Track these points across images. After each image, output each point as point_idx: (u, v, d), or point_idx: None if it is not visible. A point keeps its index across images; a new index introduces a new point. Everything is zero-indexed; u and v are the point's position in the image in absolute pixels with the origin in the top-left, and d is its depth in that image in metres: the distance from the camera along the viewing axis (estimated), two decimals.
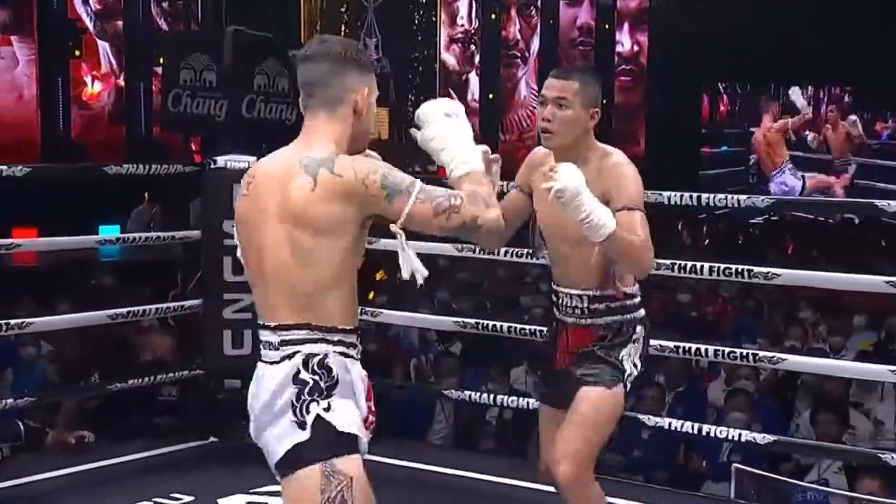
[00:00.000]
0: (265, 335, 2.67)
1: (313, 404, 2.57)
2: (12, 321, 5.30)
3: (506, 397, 5.67)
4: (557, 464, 3.32)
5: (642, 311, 3.54)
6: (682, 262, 5.13)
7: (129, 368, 6.32)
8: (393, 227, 2.60)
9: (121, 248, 10.09)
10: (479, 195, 2.61)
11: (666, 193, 5.02)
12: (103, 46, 14.49)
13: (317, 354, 2.60)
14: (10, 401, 5.34)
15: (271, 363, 2.64)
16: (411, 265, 2.64)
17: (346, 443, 2.59)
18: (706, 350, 5.21)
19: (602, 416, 3.38)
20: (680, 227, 16.87)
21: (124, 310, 5.59)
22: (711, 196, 5.00)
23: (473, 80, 18.97)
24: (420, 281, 2.66)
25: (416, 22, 17.71)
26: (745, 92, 23.90)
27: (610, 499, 4.96)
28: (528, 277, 10.13)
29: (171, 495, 4.78)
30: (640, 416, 5.54)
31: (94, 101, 14.34)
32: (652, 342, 5.28)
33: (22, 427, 5.64)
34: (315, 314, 2.62)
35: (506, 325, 5.34)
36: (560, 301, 3.53)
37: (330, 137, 2.66)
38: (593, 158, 3.42)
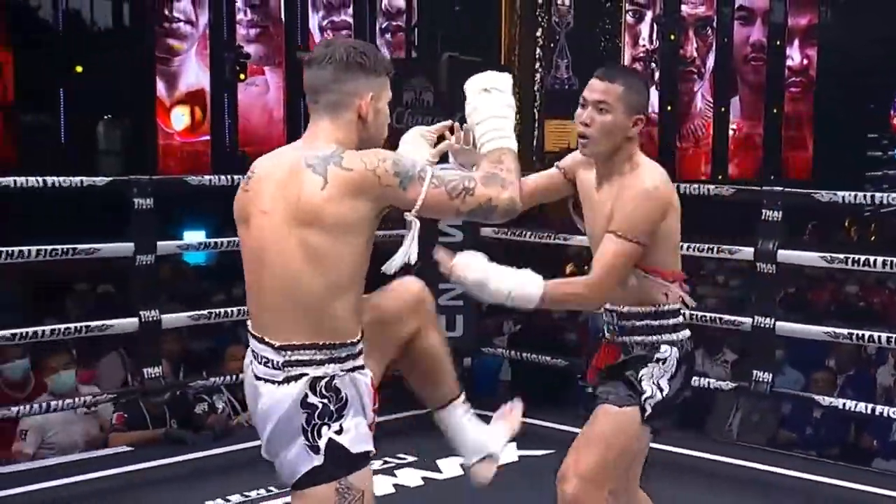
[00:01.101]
0: (264, 350, 2.27)
1: (324, 428, 2.24)
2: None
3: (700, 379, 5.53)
4: (563, 481, 2.76)
5: (681, 334, 2.85)
6: (855, 256, 4.88)
7: None
8: (408, 216, 2.25)
9: None
10: (495, 176, 2.27)
11: (840, 193, 4.80)
12: None
13: (323, 378, 2.24)
14: None
15: (273, 382, 2.26)
16: (409, 255, 2.28)
17: (356, 461, 2.29)
18: (876, 337, 4.91)
19: (611, 436, 2.76)
20: (847, 223, 16.34)
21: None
22: (886, 195, 4.78)
23: (654, 93, 18.62)
24: (414, 260, 2.28)
25: (603, 44, 17.49)
26: None
27: (781, 470, 4.85)
28: (702, 270, 9.85)
29: (397, 455, 4.83)
30: (815, 397, 5.35)
31: None
32: (824, 329, 5.13)
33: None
34: (323, 330, 2.24)
35: (688, 311, 5.19)
36: (603, 316, 2.96)
37: (331, 140, 2.27)
38: (632, 174, 2.77)
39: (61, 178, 4.74)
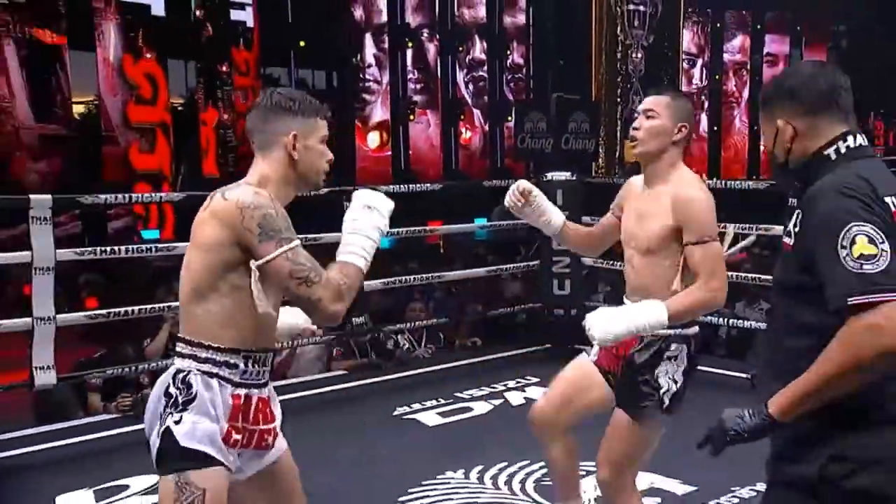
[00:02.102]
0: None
1: (168, 417, 1.77)
2: (433, 274, 5.51)
3: (733, 320, 5.36)
4: (598, 468, 2.42)
5: (691, 330, 2.37)
6: None
7: (499, 302, 6.42)
8: (252, 263, 1.76)
9: (487, 232, 10.21)
10: (338, 285, 1.78)
11: None
12: (476, 112, 14.80)
13: (182, 371, 1.80)
14: (433, 321, 5.58)
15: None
16: (257, 298, 1.77)
17: (194, 457, 1.76)
18: None
19: (634, 438, 2.35)
20: None
21: (494, 267, 5.68)
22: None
23: (703, 119, 18.09)
24: (260, 310, 1.78)
25: (665, 84, 16.92)
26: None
27: None
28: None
29: (526, 377, 4.81)
30: None
31: (468, 143, 14.67)
32: None
33: (441, 336, 5.81)
34: (189, 327, 1.82)
35: (742, 274, 5.00)
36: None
37: (256, 175, 1.85)
38: (672, 178, 2.34)
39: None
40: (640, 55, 15.98)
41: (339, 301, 1.78)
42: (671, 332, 2.32)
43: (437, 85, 14.13)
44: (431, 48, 14.08)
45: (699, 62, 17.85)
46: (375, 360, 5.18)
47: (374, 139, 13.33)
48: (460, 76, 14.52)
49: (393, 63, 13.24)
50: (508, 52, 14.96)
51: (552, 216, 2.62)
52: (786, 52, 19.58)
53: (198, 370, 1.80)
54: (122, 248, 4.31)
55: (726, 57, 18.46)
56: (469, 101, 14.67)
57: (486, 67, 14.72)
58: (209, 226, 1.78)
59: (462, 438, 3.87)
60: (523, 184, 2.56)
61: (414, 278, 5.48)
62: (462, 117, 14.43)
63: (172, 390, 1.80)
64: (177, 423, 1.77)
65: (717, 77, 18.16)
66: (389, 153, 13.51)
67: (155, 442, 1.80)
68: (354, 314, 5.00)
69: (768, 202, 4.84)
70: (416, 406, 4.37)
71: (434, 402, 4.40)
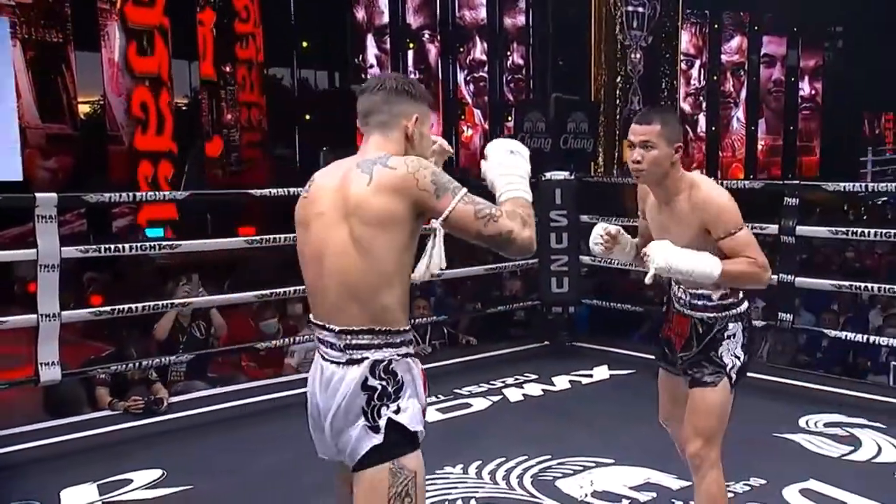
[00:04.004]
0: (326, 335, 1.78)
1: (384, 409, 1.73)
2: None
3: None
4: (689, 443, 2.46)
5: (741, 308, 2.46)
6: (852, 229, 4.66)
7: (498, 299, 6.42)
8: (434, 223, 1.74)
9: None
10: (518, 213, 1.75)
11: (842, 184, 4.57)
12: (476, 112, 14.80)
13: (382, 361, 1.74)
14: (434, 318, 5.58)
15: (335, 363, 1.76)
16: (433, 261, 1.76)
17: (412, 440, 1.77)
18: (868, 287, 4.67)
19: (714, 408, 2.43)
20: (845, 207, 15.61)
21: (493, 265, 5.68)
22: (875, 185, 4.52)
23: (702, 119, 18.05)
24: (435, 272, 1.78)
25: (664, 84, 16.90)
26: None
27: (800, 383, 4.65)
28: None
29: (524, 374, 4.81)
30: (823, 331, 5.11)
31: (468, 142, 14.68)
32: (830, 281, 4.89)
33: (445, 331, 5.81)
34: (378, 317, 1.74)
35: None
36: (672, 290, 2.58)
37: (381, 149, 1.81)
38: (683, 188, 2.39)
39: (299, 189, 4.85)
40: (638, 56, 15.95)
41: (528, 227, 1.75)
42: (726, 314, 2.44)
43: (437, 85, 14.13)
44: (432, 49, 14.07)
45: (697, 63, 17.83)
46: None
47: None
48: (461, 76, 14.51)
49: (394, 64, 13.23)
50: (509, 53, 14.95)
51: (633, 247, 2.61)
52: (783, 52, 19.60)
53: (397, 356, 1.76)
54: (126, 245, 4.30)
55: (724, 58, 18.42)
56: (469, 100, 14.67)
57: (486, 68, 14.71)
58: (383, 199, 1.71)
59: (461, 434, 3.88)
60: (607, 227, 2.55)
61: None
62: (462, 117, 14.43)
63: (374, 383, 1.74)
64: (396, 412, 1.74)
65: (714, 77, 18.12)
66: None
67: (363, 436, 1.73)
68: None
69: (765, 201, 4.87)
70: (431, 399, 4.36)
71: (433, 399, 4.39)
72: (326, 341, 1.79)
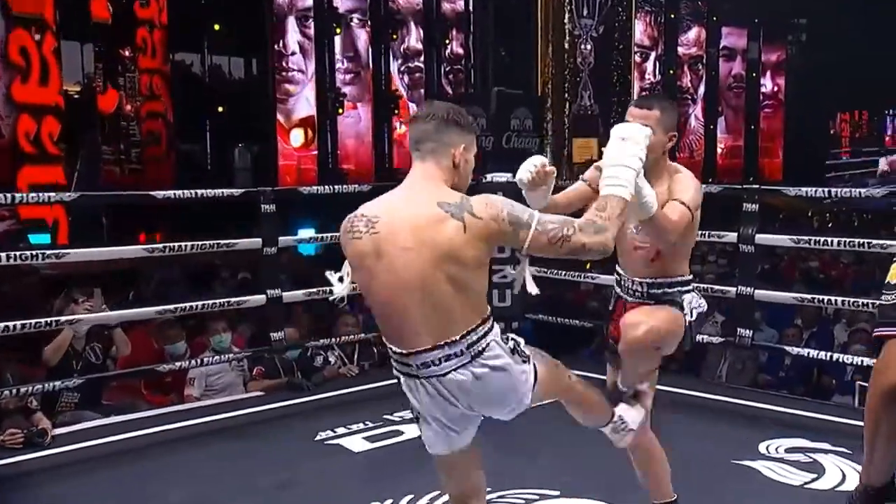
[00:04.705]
0: (437, 353, 2.17)
1: (517, 349, 2.25)
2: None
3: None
4: (635, 327, 2.63)
5: (694, 292, 2.79)
6: (815, 238, 4.80)
7: None
8: (519, 255, 2.25)
9: None
10: (593, 223, 2.15)
11: (803, 189, 4.72)
12: (411, 106, 14.84)
13: (488, 342, 2.19)
14: (363, 335, 5.55)
15: (463, 366, 2.18)
16: (528, 284, 2.37)
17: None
18: (833, 300, 4.81)
19: (669, 319, 2.68)
20: (810, 214, 16.09)
21: None
22: (838, 190, 4.68)
23: None
24: (535, 293, 2.37)
25: (616, 78, 17.24)
26: (861, 118, 22.70)
27: (761, 405, 4.78)
28: (698, 252, 9.68)
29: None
30: (786, 348, 5.26)
31: (402, 139, 14.70)
32: (792, 294, 5.05)
33: (375, 351, 5.75)
34: (469, 322, 2.17)
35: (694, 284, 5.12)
36: (622, 282, 2.85)
37: (439, 180, 2.21)
38: (665, 176, 2.67)
39: (208, 191, 4.81)
40: (589, 47, 16.22)
41: (600, 233, 2.15)
42: (678, 289, 2.73)
43: (368, 76, 14.11)
44: (362, 35, 14.05)
45: (652, 55, 18.22)
46: (298, 380, 5.14)
47: (297, 136, 13.21)
48: (394, 66, 14.53)
49: (319, 51, 13.16)
50: (447, 42, 15.05)
51: (549, 201, 2.76)
52: (743, 45, 20.15)
53: (494, 341, 2.19)
54: (3, 254, 4.14)
55: (681, 50, 18.85)
56: (404, 93, 14.69)
57: (422, 57, 14.78)
58: (478, 247, 2.13)
59: (391, 465, 3.87)
60: (546, 162, 2.68)
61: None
62: (396, 111, 14.44)
63: (503, 349, 2.20)
64: (515, 346, 2.26)
65: (671, 71, 18.53)
66: (315, 152, 13.42)
67: (524, 376, 2.24)
68: (274, 329, 4.96)
69: (723, 207, 5.00)
70: (341, 430, 4.34)
71: (361, 426, 4.38)
72: (439, 358, 2.17)
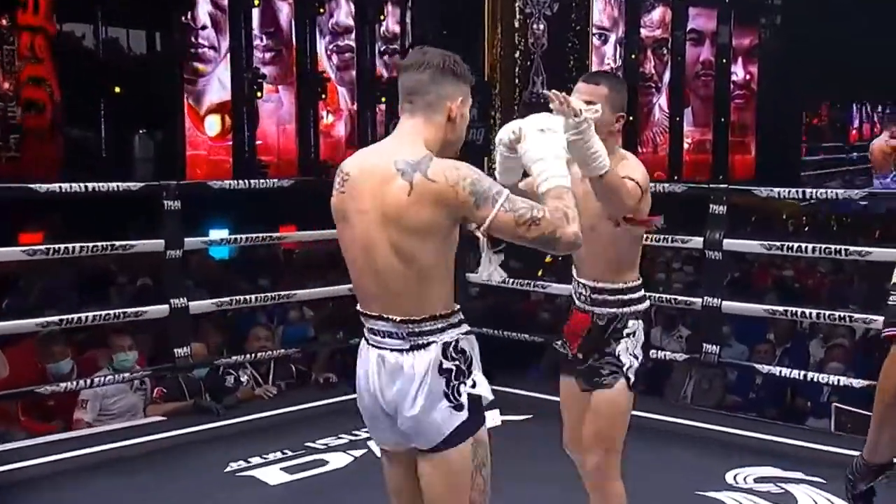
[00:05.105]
0: (383, 325, 2.22)
1: (461, 386, 2.20)
2: (283, 292, 5.44)
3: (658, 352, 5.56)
4: (588, 453, 2.87)
5: (642, 306, 2.91)
6: (789, 243, 4.89)
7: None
8: (477, 232, 2.21)
9: None
10: (560, 210, 2.15)
11: (776, 189, 4.82)
12: (341, 90, 14.81)
13: (450, 342, 2.21)
14: (280, 352, 5.53)
15: (397, 350, 2.22)
16: (488, 268, 2.32)
17: (482, 410, 2.26)
18: (808, 313, 4.91)
19: (614, 412, 2.85)
20: (784, 216, 16.42)
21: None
22: (814, 190, 4.80)
23: None
24: (497, 281, 2.37)
25: (572, 63, 17.46)
26: (838, 109, 23.27)
27: (729, 429, 4.88)
28: (660, 258, 9.86)
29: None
30: (756, 366, 5.36)
31: (330, 129, 14.66)
32: (764, 306, 5.16)
33: (294, 369, 5.75)
34: (433, 306, 2.20)
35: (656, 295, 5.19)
36: (574, 287, 2.98)
37: (422, 139, 2.20)
38: (614, 161, 2.67)
39: (101, 184, 4.73)
40: (542, 27, 16.44)
41: (572, 223, 2.14)
42: (626, 309, 2.86)
43: (291, 55, 14.04)
44: (285, 8, 14.00)
45: (612, 38, 18.51)
46: (204, 403, 5.08)
47: (212, 124, 13.07)
48: (321, 45, 14.49)
49: (234, 25, 13.06)
50: (382, 18, 15.07)
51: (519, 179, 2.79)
52: (712, 28, 20.52)
53: (460, 335, 2.22)
54: None
55: (644, 32, 19.19)
56: (332, 75, 14.65)
57: (353, 35, 14.76)
58: (423, 211, 2.12)
59: (313, 500, 3.84)
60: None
61: (258, 297, 5.40)
62: (324, 96, 14.39)
63: (448, 365, 2.19)
64: (473, 386, 2.21)
65: (632, 56, 18.84)
66: (230, 142, 13.30)
67: (448, 417, 2.19)
68: (178, 344, 4.89)
69: (688, 208, 5.10)
70: (255, 460, 4.31)
71: (278, 455, 4.35)
72: (382, 331, 2.23)
